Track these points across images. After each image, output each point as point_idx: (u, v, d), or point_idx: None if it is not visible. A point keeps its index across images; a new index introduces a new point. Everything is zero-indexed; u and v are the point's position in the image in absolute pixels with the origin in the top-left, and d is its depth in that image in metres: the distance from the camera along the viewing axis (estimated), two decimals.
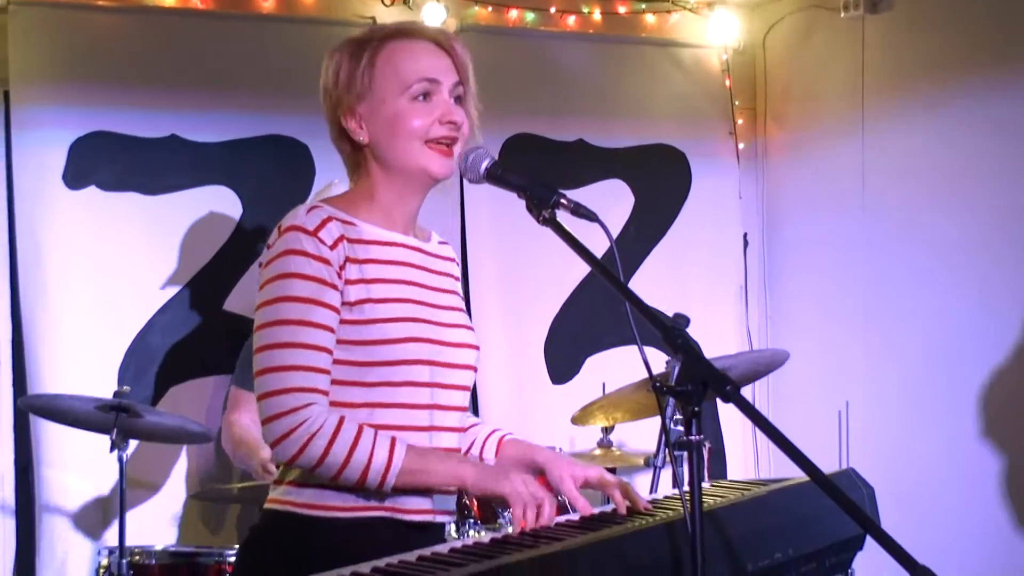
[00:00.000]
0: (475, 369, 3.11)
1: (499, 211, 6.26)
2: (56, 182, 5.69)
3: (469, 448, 3.18)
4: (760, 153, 7.16)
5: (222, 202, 5.97)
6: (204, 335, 5.92)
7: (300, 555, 2.79)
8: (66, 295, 5.66)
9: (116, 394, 4.93)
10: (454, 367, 3.01)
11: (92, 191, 5.76)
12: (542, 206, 2.83)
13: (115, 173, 5.80)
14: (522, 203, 2.88)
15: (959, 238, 6.10)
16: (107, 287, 5.74)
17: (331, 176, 5.25)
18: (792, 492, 3.07)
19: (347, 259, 2.86)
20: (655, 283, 6.63)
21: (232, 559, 4.82)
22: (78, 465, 5.59)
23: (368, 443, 2.77)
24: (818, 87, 6.89)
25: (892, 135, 6.43)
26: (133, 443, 5.28)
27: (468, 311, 3.14)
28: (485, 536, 2.79)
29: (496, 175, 2.94)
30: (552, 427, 6.02)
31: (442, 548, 2.61)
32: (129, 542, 4.89)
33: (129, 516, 4.93)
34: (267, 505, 2.95)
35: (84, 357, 5.68)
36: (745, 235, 7.06)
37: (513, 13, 6.58)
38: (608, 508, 2.92)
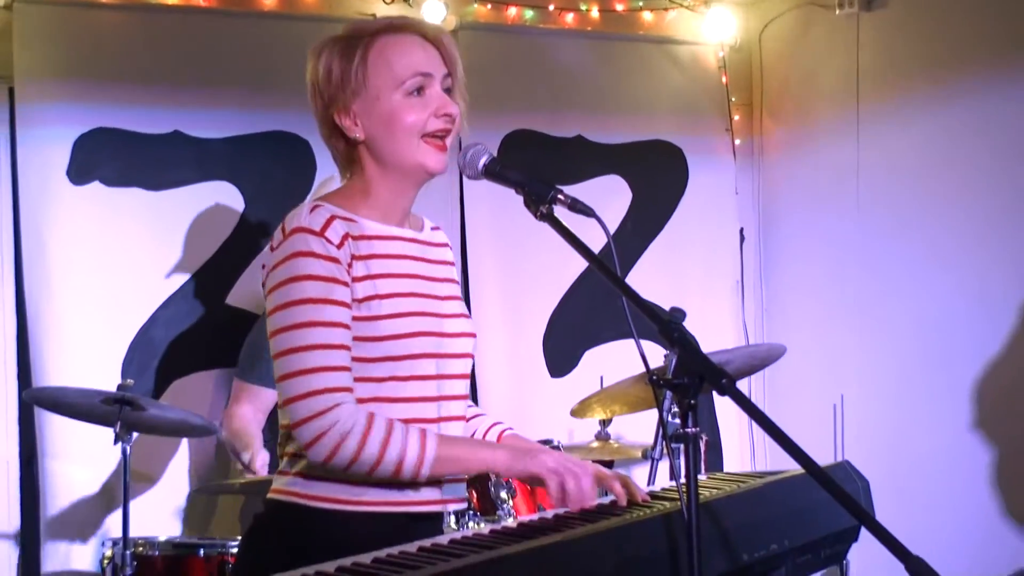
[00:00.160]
0: (473, 356, 3.12)
1: (498, 206, 6.27)
2: (60, 178, 5.69)
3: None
4: (756, 149, 7.17)
5: (224, 197, 5.97)
6: (207, 329, 5.92)
7: (303, 545, 2.81)
8: (70, 289, 5.66)
9: (120, 387, 4.90)
10: (456, 357, 3.04)
11: (96, 187, 5.76)
12: (540, 202, 2.85)
13: (118, 169, 5.80)
14: (521, 198, 2.90)
15: (953, 233, 6.11)
16: (111, 281, 5.74)
17: (332, 171, 5.24)
18: (788, 484, 3.08)
19: (353, 256, 2.87)
20: (652, 278, 6.63)
21: (235, 550, 4.81)
22: (82, 457, 5.59)
23: (400, 437, 2.79)
24: (813, 84, 6.89)
25: (887, 131, 6.44)
26: (136, 436, 5.32)
27: (468, 304, 3.17)
28: (484, 527, 2.80)
29: (494, 171, 2.95)
30: (551, 420, 6.05)
31: (442, 539, 2.63)
32: (132, 533, 4.88)
33: (132, 507, 4.91)
34: (271, 495, 2.96)
35: (88, 350, 5.68)
36: (741, 230, 7.08)
37: (512, 11, 6.59)
38: (607, 500, 2.93)
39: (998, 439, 5.93)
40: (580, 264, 6.44)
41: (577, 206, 2.83)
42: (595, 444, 5.53)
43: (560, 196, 2.85)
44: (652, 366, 2.77)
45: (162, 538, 5.09)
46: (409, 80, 2.94)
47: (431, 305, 3.00)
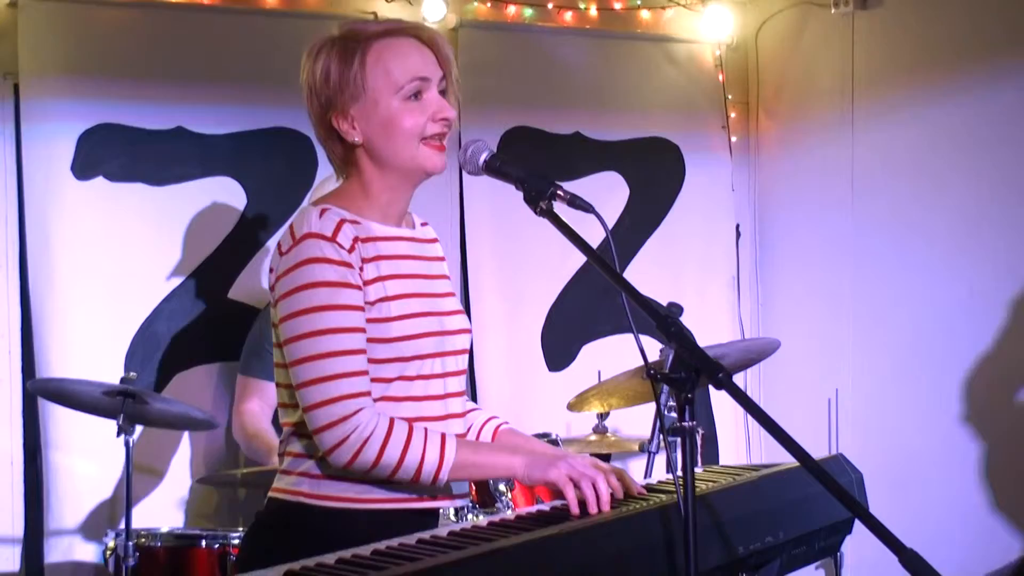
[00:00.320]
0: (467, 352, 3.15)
1: (498, 201, 6.29)
2: (65, 173, 5.69)
3: (465, 434, 3.18)
4: (752, 146, 7.19)
5: (227, 193, 5.97)
6: (209, 322, 5.93)
7: (308, 543, 2.80)
8: (74, 283, 5.66)
9: (123, 380, 4.92)
10: (457, 354, 3.06)
11: (100, 182, 5.76)
12: (539, 197, 2.86)
13: (122, 164, 5.80)
14: (520, 194, 2.91)
15: (946, 229, 6.13)
16: (114, 275, 5.74)
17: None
18: (783, 477, 3.11)
19: (363, 259, 2.88)
20: (649, 273, 6.66)
21: (236, 542, 4.83)
22: (85, 449, 5.59)
23: (420, 443, 2.81)
24: (809, 82, 6.90)
25: (881, 129, 6.46)
26: (139, 428, 5.32)
27: (467, 298, 3.19)
28: (483, 520, 2.82)
29: (494, 167, 2.96)
30: (548, 413, 6.09)
31: (441, 531, 2.64)
32: (135, 524, 4.90)
33: (135, 499, 4.94)
34: (274, 495, 2.98)
35: (92, 344, 5.68)
36: (737, 226, 7.09)
37: (511, 9, 6.60)
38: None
39: (991, 433, 5.95)
40: (578, 259, 6.47)
41: (576, 202, 2.86)
42: (592, 437, 5.54)
43: (559, 192, 2.87)
44: (649, 360, 2.79)
45: (164, 529, 5.10)
46: (407, 85, 2.94)
47: (433, 304, 3.02)
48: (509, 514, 2.90)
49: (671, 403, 4.29)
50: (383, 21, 3.09)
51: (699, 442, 4.98)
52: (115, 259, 5.77)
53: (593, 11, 6.77)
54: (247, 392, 5.38)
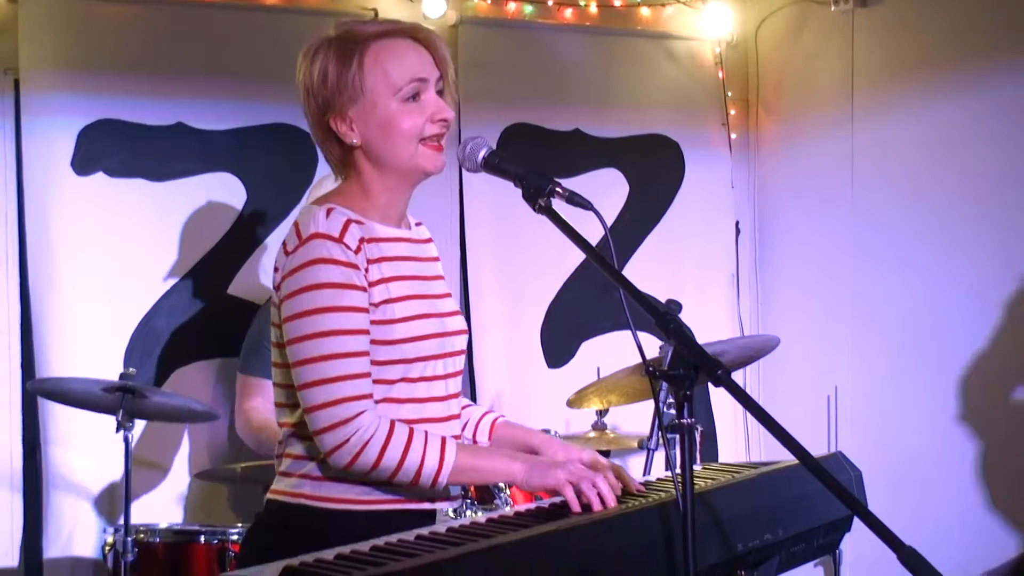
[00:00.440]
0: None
1: (497, 198, 6.29)
2: (64, 168, 5.69)
3: (462, 430, 3.20)
4: (752, 144, 7.19)
5: (227, 189, 5.97)
6: (208, 318, 5.94)
7: (309, 544, 2.74)
8: (74, 279, 5.67)
9: (122, 376, 4.91)
10: (457, 355, 3.06)
11: (100, 177, 5.77)
12: (538, 195, 2.86)
13: (122, 160, 5.81)
14: (519, 191, 2.91)
15: (946, 227, 6.13)
16: (114, 271, 5.75)
17: None
18: (782, 475, 3.11)
19: (368, 260, 2.87)
20: (649, 270, 6.67)
21: (235, 537, 4.85)
22: (85, 445, 5.60)
23: (419, 447, 2.81)
24: (809, 79, 6.91)
25: (881, 127, 6.46)
26: (139, 424, 5.32)
27: (466, 296, 3.18)
28: (482, 516, 2.82)
29: (493, 164, 2.96)
30: (548, 410, 6.08)
31: (440, 528, 2.64)
32: (134, 520, 4.92)
33: (134, 494, 4.95)
34: (273, 496, 2.97)
35: (91, 340, 5.69)
36: (737, 223, 7.10)
37: (511, 6, 6.60)
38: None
39: (990, 431, 5.95)
40: (577, 257, 6.46)
41: (575, 199, 2.85)
42: (591, 434, 5.56)
43: (558, 189, 2.87)
44: (648, 357, 2.78)
45: (163, 525, 5.12)
46: (406, 87, 2.93)
47: (434, 305, 3.01)
48: (508, 510, 2.89)
49: (670, 400, 4.29)
50: (380, 21, 3.08)
51: (698, 439, 4.99)
52: (115, 255, 5.78)
53: (593, 8, 6.76)
54: (248, 390, 5.36)
